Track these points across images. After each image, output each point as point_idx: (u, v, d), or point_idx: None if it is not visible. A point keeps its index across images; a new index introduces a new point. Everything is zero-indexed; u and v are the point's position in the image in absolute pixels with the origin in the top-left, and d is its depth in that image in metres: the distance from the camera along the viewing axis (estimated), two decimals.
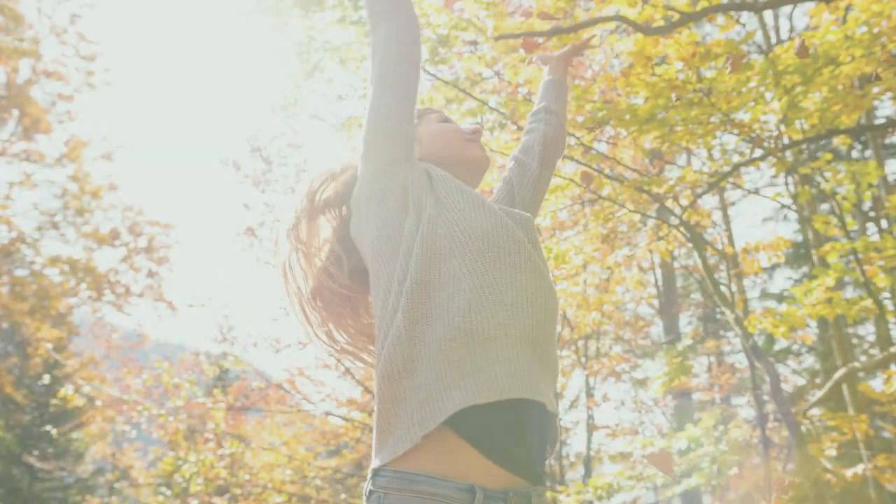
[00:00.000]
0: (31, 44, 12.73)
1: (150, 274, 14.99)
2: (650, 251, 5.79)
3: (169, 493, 13.82)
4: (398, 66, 1.38)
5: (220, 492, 10.75)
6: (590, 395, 10.98)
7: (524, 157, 1.71)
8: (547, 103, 1.82)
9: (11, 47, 12.17)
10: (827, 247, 4.69)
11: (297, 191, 1.50)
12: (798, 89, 3.48)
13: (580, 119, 3.83)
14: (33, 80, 13.09)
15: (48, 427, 17.09)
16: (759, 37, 8.44)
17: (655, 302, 12.46)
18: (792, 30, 9.21)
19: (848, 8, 3.83)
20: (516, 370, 1.13)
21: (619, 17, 3.93)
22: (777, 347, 12.01)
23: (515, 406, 1.12)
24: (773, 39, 8.88)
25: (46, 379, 15.98)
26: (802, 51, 2.89)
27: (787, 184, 9.24)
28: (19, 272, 13.62)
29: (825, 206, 9.68)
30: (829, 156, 4.37)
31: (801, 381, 12.08)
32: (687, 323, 14.28)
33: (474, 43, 4.30)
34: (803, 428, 5.17)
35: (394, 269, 1.21)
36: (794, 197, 5.22)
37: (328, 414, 11.31)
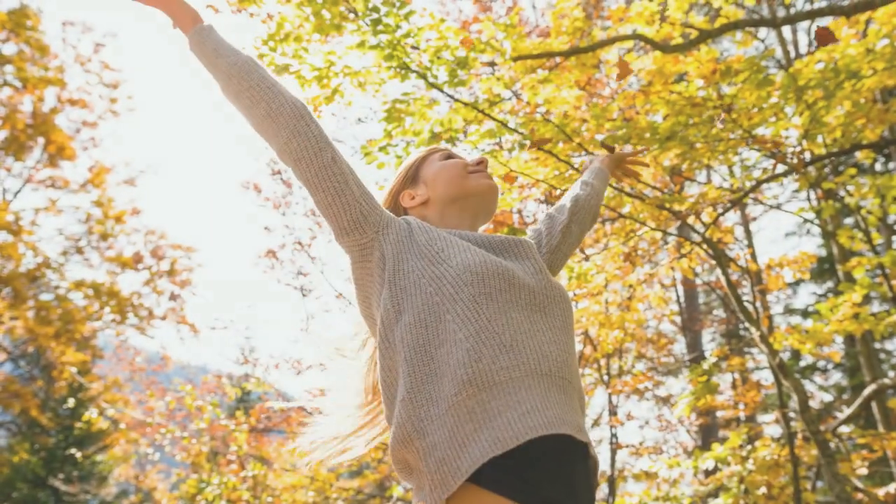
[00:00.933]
0: (56, 73, 13.01)
1: (173, 297, 15.16)
2: (672, 268, 5.75)
3: None
4: (309, 165, 1.33)
5: None
6: (613, 413, 10.87)
7: (555, 213, 1.75)
8: (587, 178, 1.90)
9: (37, 77, 12.44)
10: (853, 261, 4.63)
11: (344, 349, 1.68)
12: (820, 104, 3.46)
13: (599, 137, 3.83)
14: (58, 108, 13.36)
15: (73, 450, 17.20)
16: (778, 52, 8.42)
17: (678, 319, 12.36)
18: (811, 44, 9.18)
19: (868, 21, 3.81)
20: (529, 409, 1.09)
21: (636, 36, 3.94)
22: (803, 364, 11.85)
23: (540, 446, 1.08)
24: (793, 54, 8.86)
25: (71, 402, 16.11)
26: (824, 36, 2.87)
27: (809, 199, 9.17)
28: (45, 297, 13.81)
29: (849, 221, 9.58)
30: (853, 170, 4.33)
31: (828, 398, 11.89)
32: (710, 340, 14.14)
33: (492, 64, 4.33)
34: (832, 446, 5.08)
35: (387, 342, 1.22)
36: (818, 212, 5.17)
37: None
